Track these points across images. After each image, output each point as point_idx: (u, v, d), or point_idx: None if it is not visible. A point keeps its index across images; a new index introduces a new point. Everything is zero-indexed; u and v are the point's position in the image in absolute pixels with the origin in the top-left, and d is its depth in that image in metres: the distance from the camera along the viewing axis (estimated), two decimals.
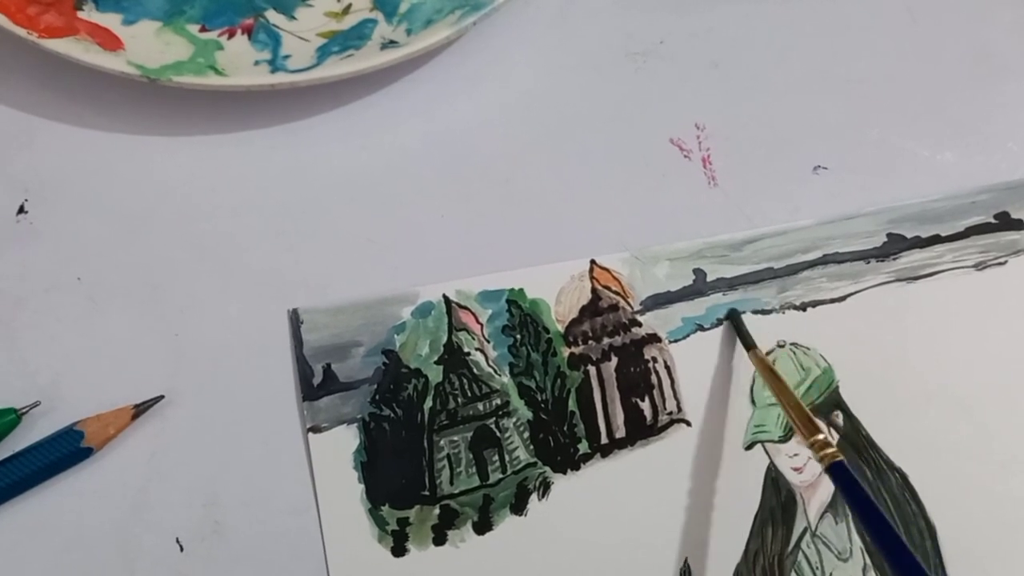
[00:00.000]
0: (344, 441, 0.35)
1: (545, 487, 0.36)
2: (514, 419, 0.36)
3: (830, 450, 0.31)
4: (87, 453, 0.35)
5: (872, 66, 0.42)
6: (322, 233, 0.38)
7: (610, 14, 0.42)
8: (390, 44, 0.38)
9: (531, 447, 0.36)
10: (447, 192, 0.39)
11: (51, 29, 0.37)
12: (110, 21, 0.38)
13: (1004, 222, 0.40)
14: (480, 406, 0.36)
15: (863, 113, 0.42)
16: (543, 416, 0.36)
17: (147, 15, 0.39)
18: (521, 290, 0.38)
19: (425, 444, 0.36)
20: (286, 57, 0.38)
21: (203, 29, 0.39)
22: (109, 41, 0.37)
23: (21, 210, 0.38)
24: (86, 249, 0.37)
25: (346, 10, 0.40)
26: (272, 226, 0.38)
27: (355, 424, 0.36)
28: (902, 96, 0.42)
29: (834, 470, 0.30)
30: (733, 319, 0.38)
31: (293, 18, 0.39)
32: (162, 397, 0.35)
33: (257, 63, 0.38)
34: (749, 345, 0.37)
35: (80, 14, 0.38)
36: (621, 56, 0.42)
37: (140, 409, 0.35)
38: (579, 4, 0.42)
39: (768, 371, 0.35)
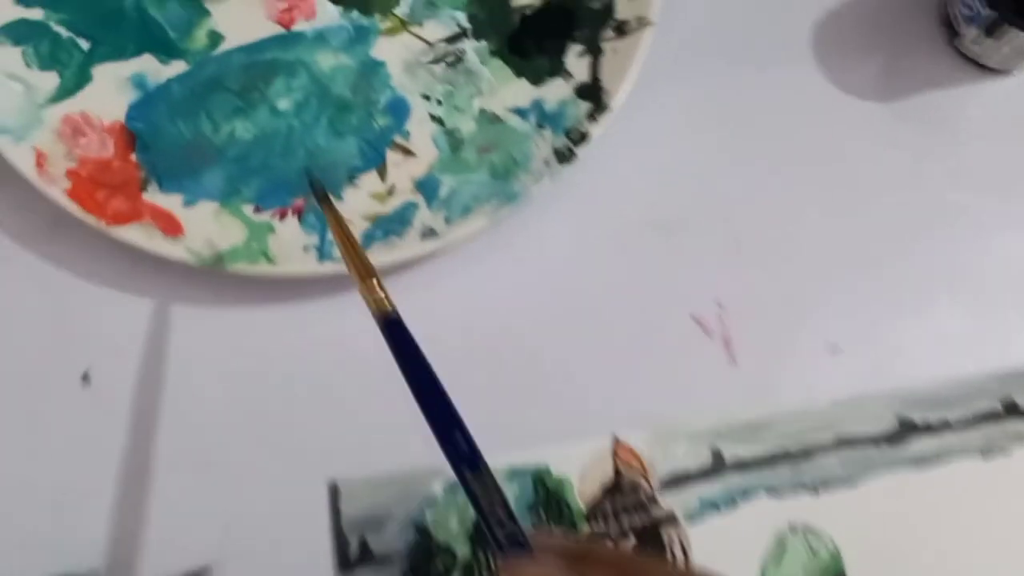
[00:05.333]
0: None
1: None
2: None
3: (386, 305, 0.30)
4: None
5: (888, 246, 0.44)
6: (362, 403, 0.41)
7: (638, 191, 0.44)
8: (430, 233, 0.41)
9: None
10: (478, 366, 0.42)
11: (118, 215, 0.40)
12: (172, 203, 0.41)
13: (1011, 411, 0.42)
14: None
15: (877, 292, 0.44)
16: None
17: (206, 195, 0.41)
18: (547, 468, 0.40)
19: None
20: (333, 243, 0.41)
21: (257, 210, 0.41)
22: (170, 226, 0.40)
23: (85, 378, 0.41)
24: (143, 417, 0.40)
25: (390, 191, 0.42)
26: (316, 396, 0.41)
27: None
28: (916, 275, 0.44)
29: (388, 325, 0.30)
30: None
31: (340, 199, 0.42)
32: (207, 568, 0.38)
33: (306, 248, 0.40)
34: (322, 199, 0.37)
35: (145, 196, 0.41)
36: (648, 232, 0.44)
37: None
38: (609, 182, 0.44)
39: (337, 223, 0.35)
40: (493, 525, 0.25)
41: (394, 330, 0.30)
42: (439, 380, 0.29)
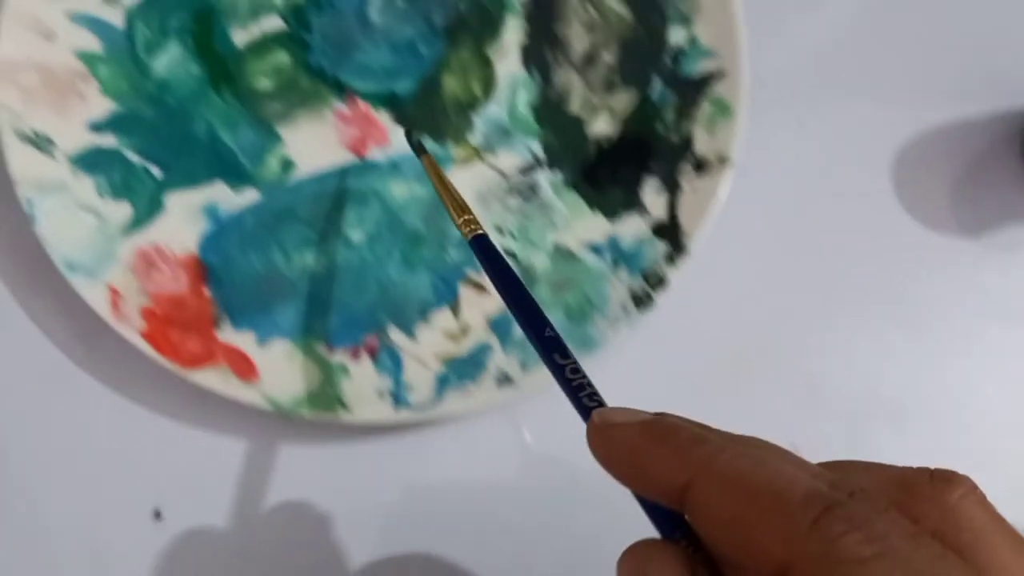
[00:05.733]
0: None
1: None
2: None
3: (475, 226, 0.32)
4: None
5: (966, 391, 0.44)
6: (432, 546, 0.41)
7: (711, 331, 0.44)
8: (505, 380, 0.40)
9: None
10: (548, 512, 0.42)
11: (193, 358, 0.40)
12: (245, 341, 0.41)
13: None
14: None
15: (955, 439, 0.43)
16: None
17: (279, 332, 0.41)
18: None
19: None
20: (408, 388, 0.40)
21: (330, 348, 0.41)
22: (245, 369, 0.40)
23: (157, 515, 0.41)
24: (214, 555, 0.40)
25: (464, 330, 0.42)
26: (390, 537, 0.41)
27: None
28: (997, 421, 0.43)
29: (477, 242, 0.32)
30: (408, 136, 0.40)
31: (413, 337, 0.42)
32: None
33: (381, 394, 0.40)
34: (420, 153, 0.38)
35: (218, 334, 0.41)
36: (725, 369, 0.43)
37: None
38: (681, 321, 0.43)
39: (435, 169, 0.36)
40: (582, 395, 0.26)
41: (481, 243, 0.32)
42: (523, 283, 0.30)
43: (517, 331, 0.42)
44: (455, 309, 0.42)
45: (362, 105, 0.43)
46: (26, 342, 0.41)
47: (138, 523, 0.41)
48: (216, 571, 0.40)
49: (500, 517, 0.42)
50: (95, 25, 0.42)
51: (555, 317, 0.42)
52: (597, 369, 0.42)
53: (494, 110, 0.44)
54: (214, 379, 0.39)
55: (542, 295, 0.42)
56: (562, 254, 0.43)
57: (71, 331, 0.42)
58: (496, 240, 0.42)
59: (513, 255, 0.43)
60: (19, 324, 0.42)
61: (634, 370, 0.43)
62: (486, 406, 0.40)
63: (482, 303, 0.42)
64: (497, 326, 0.42)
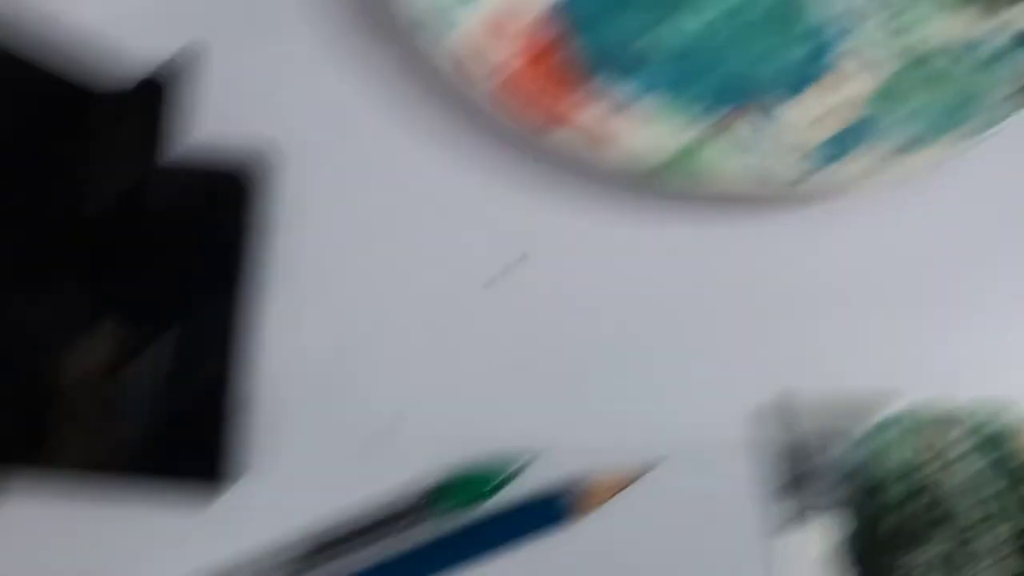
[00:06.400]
0: (807, 547, 0.37)
1: None
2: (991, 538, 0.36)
3: None
4: (563, 520, 0.37)
5: None
6: (798, 327, 0.39)
7: None
8: (882, 161, 0.37)
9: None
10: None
11: (550, 119, 0.38)
12: (606, 103, 0.39)
13: None
14: (947, 526, 0.37)
15: None
16: None
17: (642, 96, 0.39)
18: (1005, 406, 0.37)
19: (887, 562, 0.37)
20: (775, 160, 0.38)
21: (699, 115, 0.39)
22: (603, 132, 0.38)
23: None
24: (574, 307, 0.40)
25: (838, 107, 0.39)
26: (744, 318, 0.39)
27: (818, 531, 0.37)
28: None
29: None
30: None
31: (784, 109, 0.39)
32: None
33: (745, 167, 0.38)
34: None
35: (575, 94, 0.39)
36: None
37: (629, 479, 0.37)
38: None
39: None
40: None
41: None
42: None
43: (900, 109, 0.38)
44: (830, 84, 0.39)
45: None
46: (381, 113, 0.41)
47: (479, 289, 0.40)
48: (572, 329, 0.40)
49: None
50: None
51: (931, 110, 0.38)
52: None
53: None
54: (571, 141, 0.38)
55: (919, 79, 0.38)
56: (938, 46, 0.38)
57: (419, 94, 0.41)
58: (872, 20, 0.38)
59: (889, 37, 0.39)
60: (365, 89, 0.41)
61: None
62: (859, 185, 0.37)
63: (861, 78, 0.39)
64: (880, 99, 0.38)
